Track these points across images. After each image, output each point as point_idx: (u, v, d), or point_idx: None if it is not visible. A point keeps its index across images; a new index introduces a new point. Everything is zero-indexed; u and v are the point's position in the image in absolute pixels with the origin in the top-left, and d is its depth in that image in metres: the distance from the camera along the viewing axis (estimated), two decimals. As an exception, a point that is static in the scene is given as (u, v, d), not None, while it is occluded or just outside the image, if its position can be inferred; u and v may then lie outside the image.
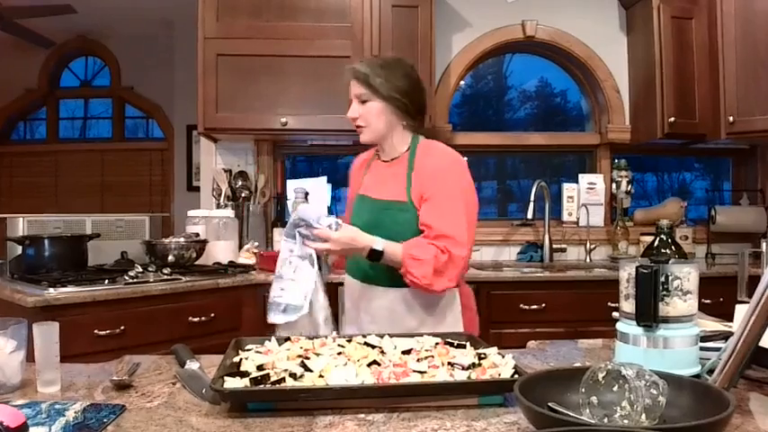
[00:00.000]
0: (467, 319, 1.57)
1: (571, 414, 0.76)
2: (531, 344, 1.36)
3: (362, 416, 0.88)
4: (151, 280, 2.14)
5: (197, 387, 0.99)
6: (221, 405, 0.92)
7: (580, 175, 3.13)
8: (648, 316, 0.96)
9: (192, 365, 1.08)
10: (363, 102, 1.53)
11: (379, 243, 1.43)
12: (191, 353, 1.15)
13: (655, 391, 0.78)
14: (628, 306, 1.00)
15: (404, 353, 1.04)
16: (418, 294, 1.48)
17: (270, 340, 1.13)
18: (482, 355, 1.02)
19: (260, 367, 0.96)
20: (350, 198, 1.70)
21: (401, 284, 1.47)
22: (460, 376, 0.94)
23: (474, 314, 1.63)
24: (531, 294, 2.46)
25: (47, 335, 1.03)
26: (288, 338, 1.15)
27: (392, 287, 1.50)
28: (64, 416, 0.87)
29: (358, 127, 1.56)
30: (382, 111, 1.53)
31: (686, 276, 0.97)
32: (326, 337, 1.16)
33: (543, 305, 2.46)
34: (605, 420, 0.78)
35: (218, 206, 2.84)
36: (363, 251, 1.43)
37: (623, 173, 3.04)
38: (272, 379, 0.92)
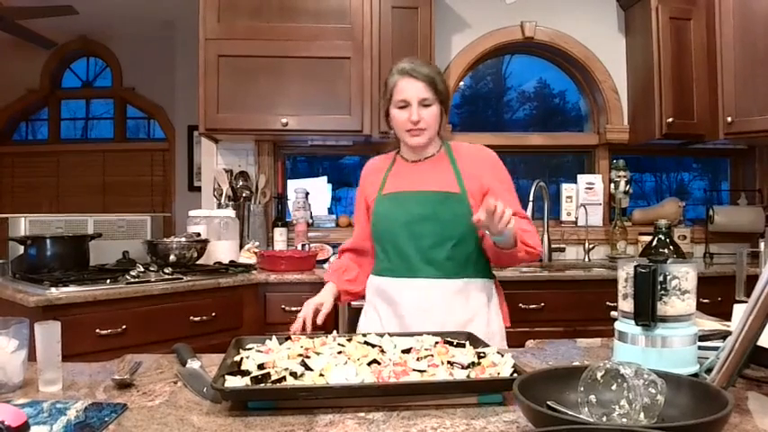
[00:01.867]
0: (504, 311, 1.61)
1: (570, 413, 0.76)
2: (530, 343, 1.36)
3: (362, 414, 0.88)
4: (152, 279, 2.14)
5: (198, 386, 1.00)
6: (222, 404, 0.93)
7: (579, 176, 3.13)
8: (647, 315, 0.96)
9: (194, 364, 1.09)
10: (426, 105, 1.52)
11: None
12: (192, 352, 1.16)
13: (653, 390, 0.78)
14: (626, 305, 1.00)
15: (404, 352, 1.05)
16: (471, 285, 1.52)
17: (270, 339, 1.13)
18: (481, 354, 1.03)
19: (260, 366, 0.97)
20: (360, 202, 1.68)
21: (460, 275, 1.51)
22: (460, 375, 0.95)
23: (506, 307, 1.65)
24: (529, 294, 2.47)
25: (48, 334, 1.03)
26: (288, 338, 1.15)
27: (448, 278, 1.50)
28: (65, 415, 0.87)
29: (418, 130, 1.53)
30: (439, 115, 1.55)
31: (684, 276, 0.97)
32: (327, 336, 1.16)
33: (542, 304, 2.46)
34: (604, 419, 0.79)
35: (219, 206, 2.85)
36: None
37: (622, 173, 3.04)
38: (273, 378, 0.92)
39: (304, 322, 1.50)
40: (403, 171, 1.61)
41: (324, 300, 1.57)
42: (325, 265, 2.61)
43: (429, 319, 1.46)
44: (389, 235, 1.55)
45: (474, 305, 1.51)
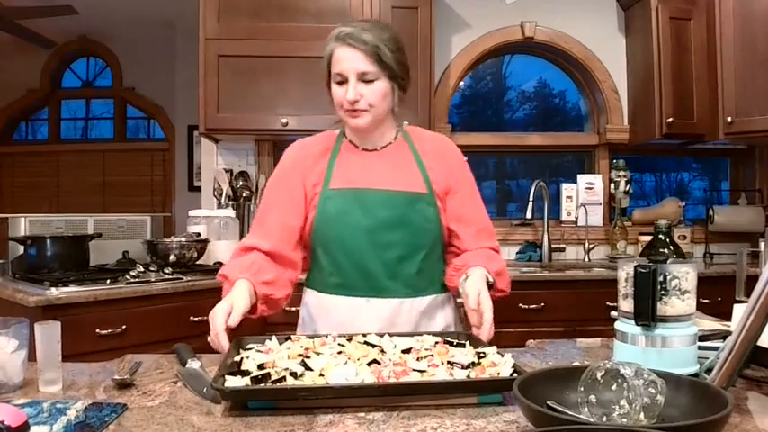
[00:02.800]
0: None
1: (570, 413, 0.76)
2: (530, 343, 1.36)
3: (362, 414, 0.88)
4: (152, 279, 2.14)
5: (198, 386, 0.99)
6: (222, 404, 0.93)
7: (579, 176, 3.13)
8: (647, 315, 0.96)
9: (194, 364, 1.09)
10: (368, 81, 1.24)
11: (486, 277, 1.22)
12: (192, 352, 1.16)
13: (653, 390, 0.78)
14: (626, 305, 1.00)
15: (404, 352, 1.05)
16: (437, 301, 1.33)
17: (270, 339, 1.13)
18: (481, 354, 1.03)
19: (260, 366, 0.96)
20: (290, 189, 1.32)
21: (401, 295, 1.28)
22: (460, 375, 0.95)
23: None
24: (529, 294, 2.47)
25: (48, 334, 1.03)
26: (288, 337, 1.15)
27: (412, 297, 1.29)
28: (65, 415, 0.87)
29: (355, 111, 1.25)
30: (388, 92, 1.26)
31: (684, 276, 0.97)
32: (327, 336, 1.16)
33: (542, 304, 2.46)
34: (604, 419, 0.78)
35: (219, 206, 2.85)
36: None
37: (622, 173, 3.04)
38: (273, 378, 0.92)
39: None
40: (354, 161, 1.32)
41: (233, 301, 1.17)
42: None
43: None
44: (343, 244, 1.27)
45: (440, 325, 1.32)
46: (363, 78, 1.24)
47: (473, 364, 0.98)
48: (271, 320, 2.39)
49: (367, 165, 1.32)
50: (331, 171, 1.32)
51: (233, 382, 0.92)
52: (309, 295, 1.37)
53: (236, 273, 1.24)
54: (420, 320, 1.30)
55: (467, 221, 1.32)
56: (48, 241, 2.21)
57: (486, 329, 1.14)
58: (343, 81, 1.26)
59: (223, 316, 1.13)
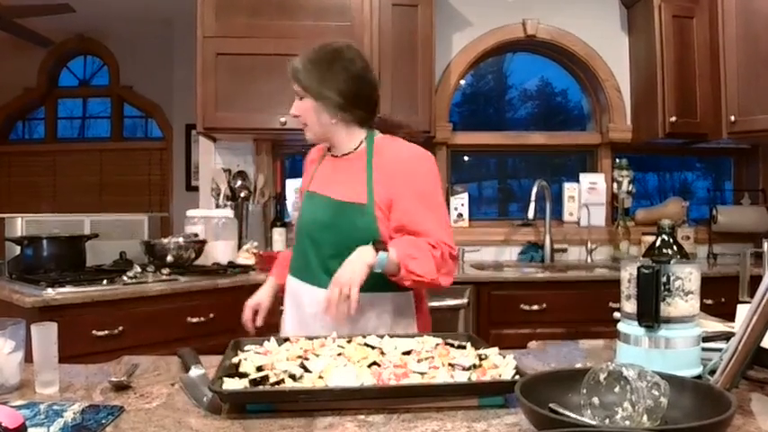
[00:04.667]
0: (422, 323, 1.47)
1: (572, 415, 0.76)
2: (532, 344, 1.35)
3: (362, 417, 0.87)
4: (150, 280, 2.14)
5: (197, 395, 0.98)
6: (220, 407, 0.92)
7: (581, 175, 3.12)
8: (650, 316, 0.95)
9: (197, 371, 1.07)
10: (301, 98, 1.46)
11: (379, 256, 1.29)
12: (197, 357, 1.13)
13: (656, 392, 0.78)
14: (629, 306, 1.00)
15: (404, 354, 1.04)
16: (379, 298, 1.39)
17: (269, 341, 1.12)
18: (483, 356, 1.02)
19: (259, 368, 0.96)
20: (302, 191, 1.58)
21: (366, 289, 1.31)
22: (461, 377, 0.94)
23: (429, 320, 1.51)
24: (531, 295, 2.46)
25: (45, 335, 1.03)
26: (287, 339, 1.14)
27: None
28: (62, 417, 0.87)
29: (301, 124, 1.47)
30: (316, 109, 1.43)
31: (688, 276, 0.97)
32: (326, 337, 1.15)
33: (544, 305, 2.45)
34: (607, 421, 0.78)
35: (218, 206, 2.84)
36: (369, 268, 1.29)
37: (624, 172, 3.03)
38: (272, 380, 0.91)
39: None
40: (327, 167, 1.51)
41: (260, 299, 1.53)
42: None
43: (324, 328, 1.29)
44: (299, 235, 1.50)
45: (375, 321, 1.39)
46: (297, 95, 1.48)
47: (474, 366, 0.97)
48: (268, 321, 2.38)
49: (331, 170, 1.50)
50: (313, 175, 1.54)
51: (231, 384, 0.91)
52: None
53: (273, 269, 1.63)
54: (355, 313, 1.35)
55: (411, 231, 1.37)
56: (44, 241, 2.20)
57: (326, 306, 1.28)
58: None
59: (249, 311, 1.54)
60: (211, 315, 2.21)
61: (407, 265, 1.31)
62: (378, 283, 1.34)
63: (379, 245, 1.31)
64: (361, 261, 1.28)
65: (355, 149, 1.46)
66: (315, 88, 1.42)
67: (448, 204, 3.06)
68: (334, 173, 1.48)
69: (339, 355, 1.02)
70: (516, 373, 0.95)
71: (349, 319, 1.31)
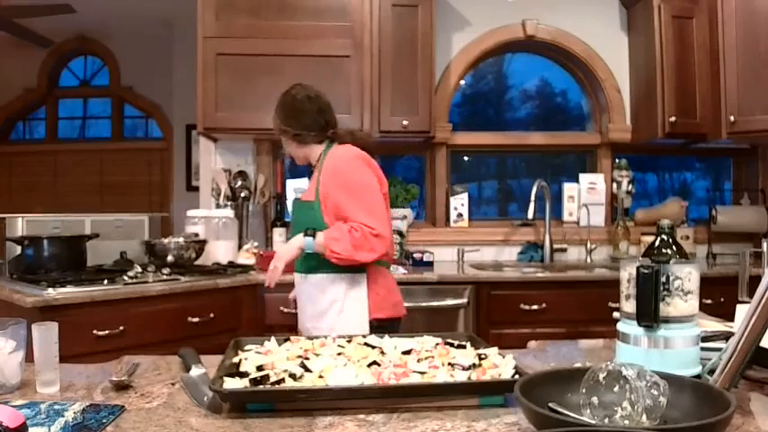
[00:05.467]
0: (375, 301, 1.78)
1: (572, 415, 0.76)
2: (532, 344, 1.35)
3: (362, 416, 0.88)
4: (150, 280, 2.14)
5: (198, 395, 0.98)
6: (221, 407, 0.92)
7: (581, 175, 3.12)
8: (649, 316, 0.95)
9: (198, 371, 1.07)
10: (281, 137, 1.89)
11: (306, 240, 1.70)
12: (197, 357, 1.13)
13: (656, 392, 0.78)
14: (628, 306, 1.00)
15: (404, 353, 1.04)
16: (328, 278, 1.76)
17: (269, 340, 1.13)
18: (482, 356, 1.02)
19: (259, 368, 0.96)
20: None
21: (313, 271, 1.78)
22: (461, 377, 0.94)
23: (388, 294, 1.82)
24: (531, 294, 2.46)
25: (46, 335, 1.03)
26: (287, 339, 1.14)
27: (309, 274, 1.79)
28: (63, 416, 0.87)
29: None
30: (286, 142, 1.87)
31: (687, 276, 0.97)
32: (326, 337, 1.16)
33: (544, 305, 2.46)
34: (606, 421, 0.78)
35: (218, 206, 2.84)
36: (299, 249, 1.72)
37: (624, 172, 3.03)
38: (272, 379, 0.91)
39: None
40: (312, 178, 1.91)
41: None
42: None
43: (301, 308, 1.85)
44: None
45: (330, 297, 1.76)
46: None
47: (474, 365, 0.97)
48: (269, 322, 2.38)
49: (309, 180, 1.94)
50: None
51: (232, 383, 0.91)
52: None
53: None
54: (313, 293, 1.79)
55: (341, 217, 1.72)
56: (45, 241, 2.20)
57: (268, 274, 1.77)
58: None
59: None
60: (212, 315, 2.21)
61: (329, 245, 1.67)
62: (329, 266, 1.72)
63: (309, 231, 1.70)
64: (292, 243, 1.74)
65: (318, 161, 1.84)
66: (277, 126, 1.87)
67: (448, 204, 3.06)
68: (309, 182, 1.89)
69: (339, 354, 1.03)
70: (516, 373, 0.95)
71: (313, 293, 1.78)
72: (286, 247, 1.76)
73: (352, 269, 1.75)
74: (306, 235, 1.70)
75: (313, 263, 1.76)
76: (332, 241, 1.67)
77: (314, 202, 1.77)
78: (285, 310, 2.35)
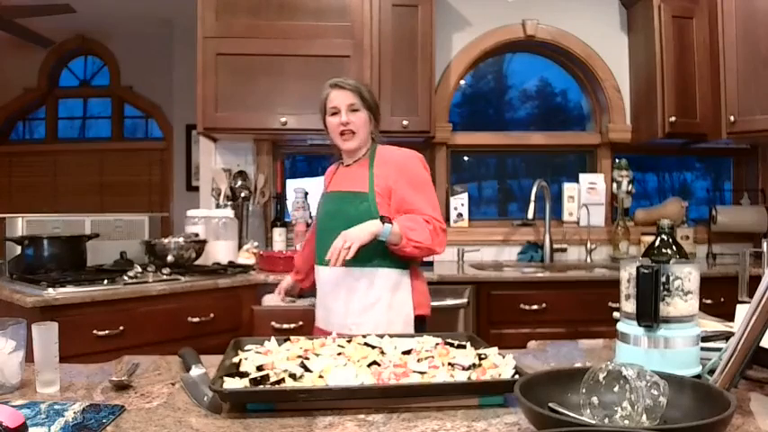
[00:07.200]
0: (417, 298, 1.76)
1: (572, 415, 0.76)
2: (532, 344, 1.35)
3: (362, 416, 0.88)
4: (150, 280, 2.14)
5: (198, 395, 0.98)
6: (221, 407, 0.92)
7: (581, 175, 3.12)
8: (649, 316, 0.95)
9: (198, 371, 1.07)
10: (354, 110, 1.75)
11: (384, 226, 1.61)
12: (197, 357, 1.14)
13: (656, 392, 0.78)
14: (628, 306, 1.00)
15: (404, 353, 1.04)
16: (376, 273, 1.71)
17: (269, 341, 1.13)
18: (482, 356, 1.02)
19: (259, 368, 0.96)
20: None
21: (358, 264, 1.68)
22: (461, 377, 0.94)
23: (426, 291, 1.81)
24: (531, 294, 2.46)
25: (46, 335, 1.03)
26: (287, 339, 1.14)
27: (355, 266, 1.69)
28: (63, 416, 0.87)
29: (347, 132, 1.75)
30: (368, 120, 1.78)
31: (687, 276, 0.97)
32: (326, 337, 1.16)
33: (544, 305, 2.46)
34: (606, 421, 0.78)
35: (218, 206, 2.84)
36: (372, 235, 1.61)
37: (624, 172, 3.03)
38: (272, 379, 0.91)
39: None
40: (339, 173, 1.86)
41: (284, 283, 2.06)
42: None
43: (335, 301, 1.73)
44: (317, 229, 1.83)
45: (377, 291, 1.70)
46: (351, 108, 1.75)
47: (474, 365, 0.97)
48: (256, 334, 2.37)
49: (341, 175, 1.85)
50: (330, 181, 1.89)
51: (232, 383, 0.91)
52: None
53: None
54: (358, 286, 1.71)
55: (407, 210, 1.71)
56: (45, 241, 2.20)
57: (330, 251, 1.61)
58: (336, 112, 1.76)
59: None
60: (212, 315, 2.21)
61: (407, 234, 1.63)
62: (380, 259, 1.69)
63: (385, 219, 1.62)
64: (367, 228, 1.61)
65: (363, 156, 1.81)
66: (371, 104, 1.79)
67: (448, 204, 3.06)
68: (345, 177, 1.82)
69: (339, 354, 1.03)
70: (516, 373, 0.95)
71: (359, 286, 1.69)
72: (357, 230, 1.60)
73: (400, 264, 1.72)
74: (383, 222, 1.61)
75: (365, 254, 1.64)
76: (409, 230, 1.63)
77: (368, 193, 1.72)
78: (276, 325, 2.31)
